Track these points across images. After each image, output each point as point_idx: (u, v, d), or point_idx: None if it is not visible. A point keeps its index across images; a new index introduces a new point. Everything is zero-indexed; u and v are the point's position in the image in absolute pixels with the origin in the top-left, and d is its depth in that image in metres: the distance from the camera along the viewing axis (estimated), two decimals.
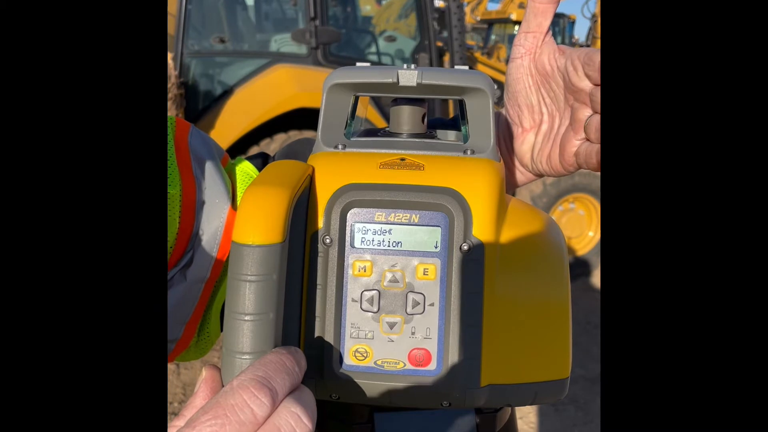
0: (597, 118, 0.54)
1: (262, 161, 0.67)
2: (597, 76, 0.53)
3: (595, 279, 4.45)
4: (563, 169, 0.59)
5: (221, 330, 0.63)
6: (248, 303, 0.39)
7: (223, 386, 0.41)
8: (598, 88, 0.53)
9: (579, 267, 4.42)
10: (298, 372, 0.39)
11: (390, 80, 0.48)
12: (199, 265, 0.58)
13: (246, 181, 0.63)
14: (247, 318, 0.39)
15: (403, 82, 0.48)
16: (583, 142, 0.57)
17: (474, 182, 0.46)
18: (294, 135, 3.47)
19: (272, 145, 3.44)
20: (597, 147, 0.55)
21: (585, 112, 0.56)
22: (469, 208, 0.45)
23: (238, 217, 0.41)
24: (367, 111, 3.54)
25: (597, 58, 0.52)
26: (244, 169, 0.64)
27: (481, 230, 0.45)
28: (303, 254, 0.45)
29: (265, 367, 0.37)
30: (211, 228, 0.58)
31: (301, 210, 0.45)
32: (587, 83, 0.54)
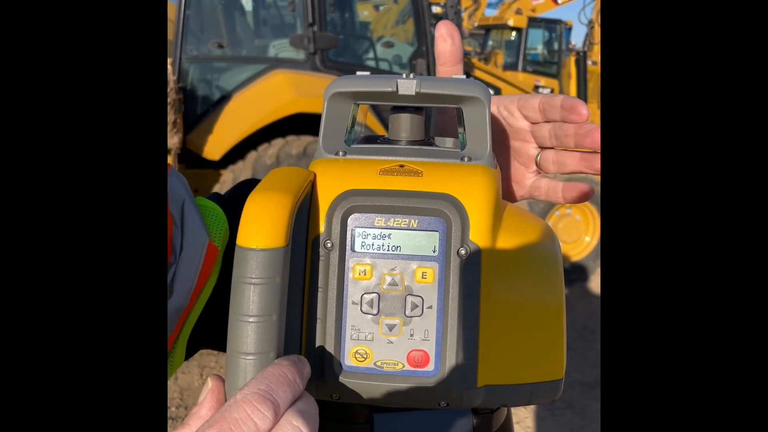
0: (549, 152, 0.62)
1: (218, 200, 0.69)
2: (535, 116, 0.61)
3: (592, 284, 4.46)
4: (519, 197, 0.67)
5: (185, 359, 0.64)
6: (252, 305, 0.40)
7: (226, 389, 0.42)
8: (537, 125, 0.61)
9: (576, 272, 4.42)
10: (300, 382, 0.40)
11: (389, 89, 0.50)
12: (179, 295, 0.60)
13: (207, 215, 0.64)
14: (251, 319, 0.40)
15: (402, 91, 0.50)
16: (539, 177, 0.64)
17: (471, 188, 0.47)
18: (291, 140, 3.47)
19: (270, 150, 3.45)
20: (560, 184, 0.62)
21: (530, 147, 0.63)
22: (466, 214, 0.46)
23: (243, 221, 0.42)
24: (367, 117, 3.54)
25: (534, 102, 0.60)
26: (206, 204, 0.66)
27: (478, 235, 0.46)
28: (305, 258, 0.46)
29: (267, 380, 0.38)
30: (191, 260, 0.60)
31: (303, 215, 0.46)
32: (525, 123, 0.62)
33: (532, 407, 3.02)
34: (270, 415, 0.36)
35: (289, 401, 0.38)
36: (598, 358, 3.22)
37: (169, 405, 2.93)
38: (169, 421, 2.79)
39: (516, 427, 2.89)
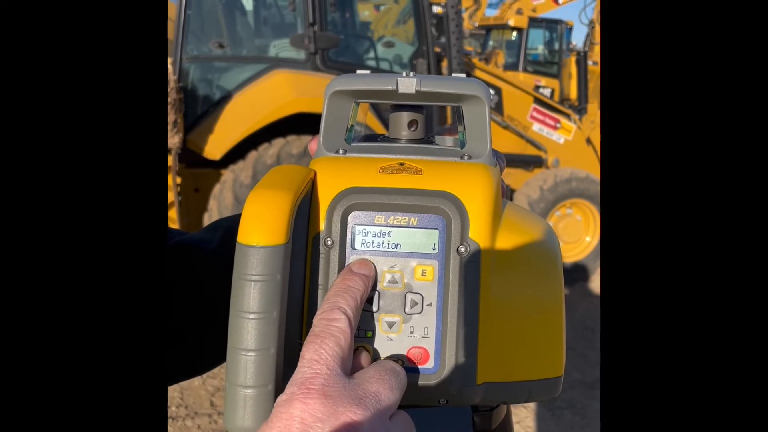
0: None
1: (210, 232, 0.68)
2: None
3: (592, 284, 4.46)
4: None
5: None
6: (252, 302, 0.41)
7: (227, 384, 0.42)
8: None
9: (576, 272, 4.41)
10: (360, 281, 0.45)
11: (389, 88, 0.50)
12: None
13: None
14: (251, 316, 0.41)
15: (402, 90, 0.50)
16: None
17: (471, 186, 0.47)
18: (292, 140, 3.47)
19: (270, 149, 3.44)
20: None
21: None
22: (466, 212, 0.46)
23: (243, 218, 0.42)
24: (367, 117, 3.53)
25: None
26: None
27: (478, 233, 0.46)
28: (305, 255, 0.47)
29: (328, 299, 0.44)
30: None
31: (304, 213, 0.46)
32: None
33: (532, 407, 3.02)
34: (341, 316, 0.43)
35: (354, 300, 0.44)
36: (599, 357, 3.22)
37: (169, 404, 2.93)
38: (169, 421, 2.79)
39: (516, 426, 2.88)
